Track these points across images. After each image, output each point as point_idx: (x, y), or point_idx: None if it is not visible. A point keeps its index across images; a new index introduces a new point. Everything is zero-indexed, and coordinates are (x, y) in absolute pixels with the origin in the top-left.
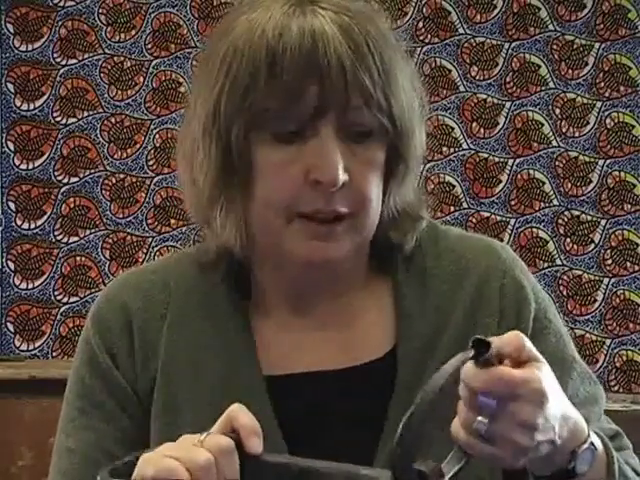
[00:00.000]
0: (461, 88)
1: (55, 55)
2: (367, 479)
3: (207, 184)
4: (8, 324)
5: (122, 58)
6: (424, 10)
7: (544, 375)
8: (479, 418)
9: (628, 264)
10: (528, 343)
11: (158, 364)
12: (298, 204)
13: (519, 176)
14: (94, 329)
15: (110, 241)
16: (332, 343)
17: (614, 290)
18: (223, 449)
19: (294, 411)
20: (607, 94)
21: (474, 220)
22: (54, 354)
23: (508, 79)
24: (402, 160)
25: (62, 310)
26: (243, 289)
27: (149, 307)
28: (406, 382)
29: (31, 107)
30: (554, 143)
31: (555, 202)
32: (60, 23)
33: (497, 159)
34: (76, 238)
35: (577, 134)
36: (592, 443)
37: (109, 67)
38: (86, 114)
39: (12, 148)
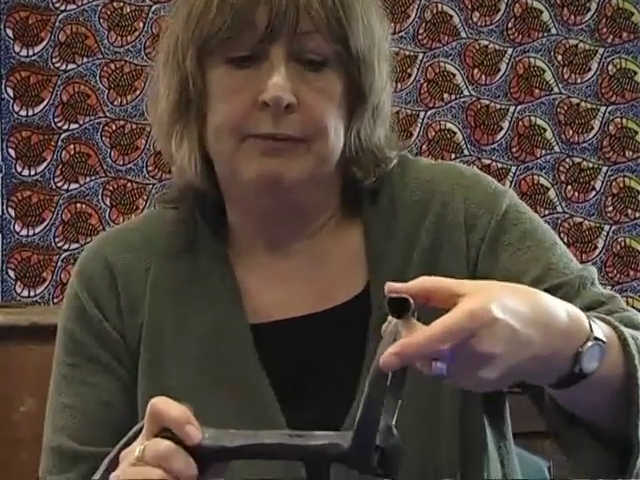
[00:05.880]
0: (462, 34)
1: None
2: (314, 448)
3: (166, 114)
4: (9, 271)
5: (122, 3)
6: None
7: (485, 297)
8: (438, 364)
9: (629, 211)
10: (443, 281)
11: (144, 318)
12: (247, 126)
13: (520, 123)
14: (81, 285)
15: (110, 188)
16: (310, 286)
17: (615, 237)
18: (167, 455)
19: (279, 358)
20: (610, 40)
21: (475, 167)
22: (55, 301)
23: (510, 25)
24: (361, 94)
25: (63, 257)
26: (222, 236)
27: (132, 262)
28: (379, 319)
29: (30, 53)
30: (556, 90)
31: (556, 149)
32: None
33: (498, 106)
34: (76, 185)
35: (579, 81)
36: (596, 338)
37: (108, 12)
38: (85, 60)
39: (11, 94)
